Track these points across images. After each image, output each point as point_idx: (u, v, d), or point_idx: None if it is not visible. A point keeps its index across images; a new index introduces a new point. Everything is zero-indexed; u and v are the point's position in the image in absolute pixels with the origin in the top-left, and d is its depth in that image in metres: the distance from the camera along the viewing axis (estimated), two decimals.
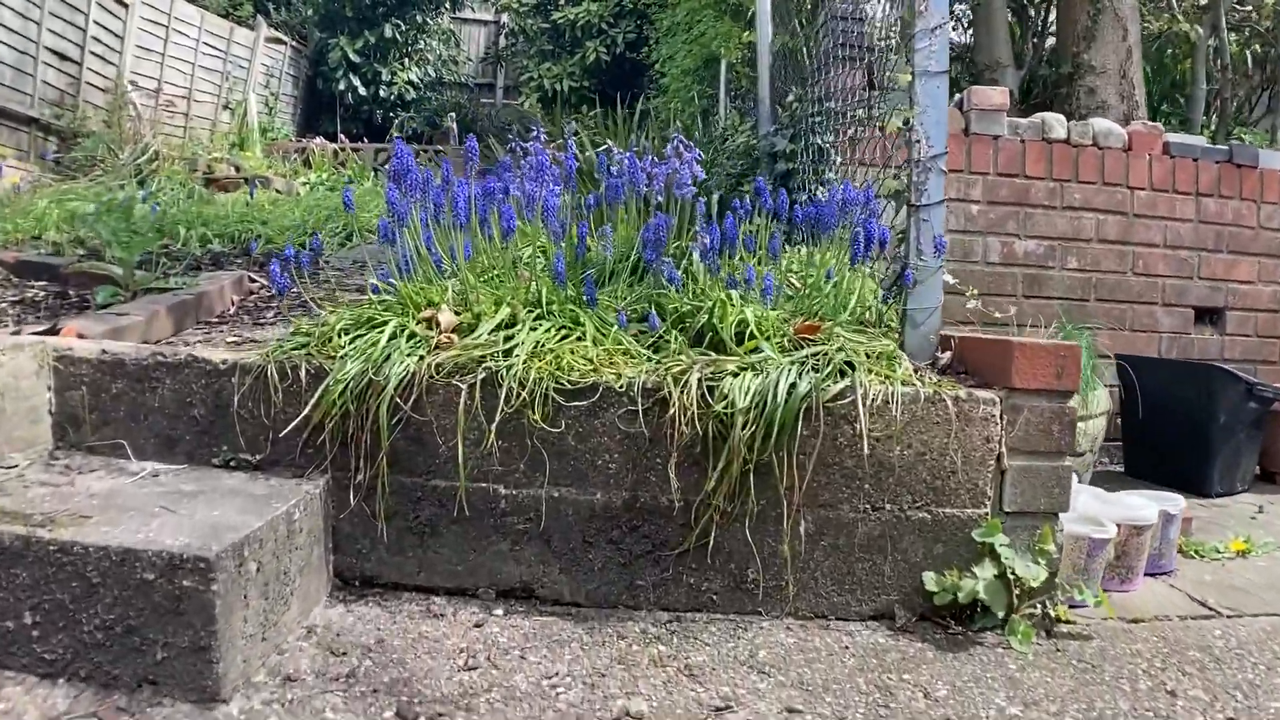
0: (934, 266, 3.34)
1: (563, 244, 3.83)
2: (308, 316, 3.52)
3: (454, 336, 3.15)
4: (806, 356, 3.01)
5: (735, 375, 2.92)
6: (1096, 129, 6.35)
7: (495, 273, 3.74)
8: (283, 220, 7.82)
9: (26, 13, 10.74)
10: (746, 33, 8.40)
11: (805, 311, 3.47)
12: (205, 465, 3.16)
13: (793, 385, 2.87)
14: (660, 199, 4.23)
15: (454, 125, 17.47)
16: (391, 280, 3.48)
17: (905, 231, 3.38)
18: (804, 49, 6.72)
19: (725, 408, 2.85)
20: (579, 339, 3.18)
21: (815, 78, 6.34)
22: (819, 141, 5.78)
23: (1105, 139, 6.33)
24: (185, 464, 3.16)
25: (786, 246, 4.47)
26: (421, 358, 3.02)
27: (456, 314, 3.31)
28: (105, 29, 12.37)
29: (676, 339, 3.23)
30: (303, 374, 3.03)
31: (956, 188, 5.70)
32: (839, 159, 5.90)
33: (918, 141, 3.31)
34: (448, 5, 19.64)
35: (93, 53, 12.10)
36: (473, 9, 21.00)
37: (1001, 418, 3.04)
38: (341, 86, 18.40)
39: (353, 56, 18.29)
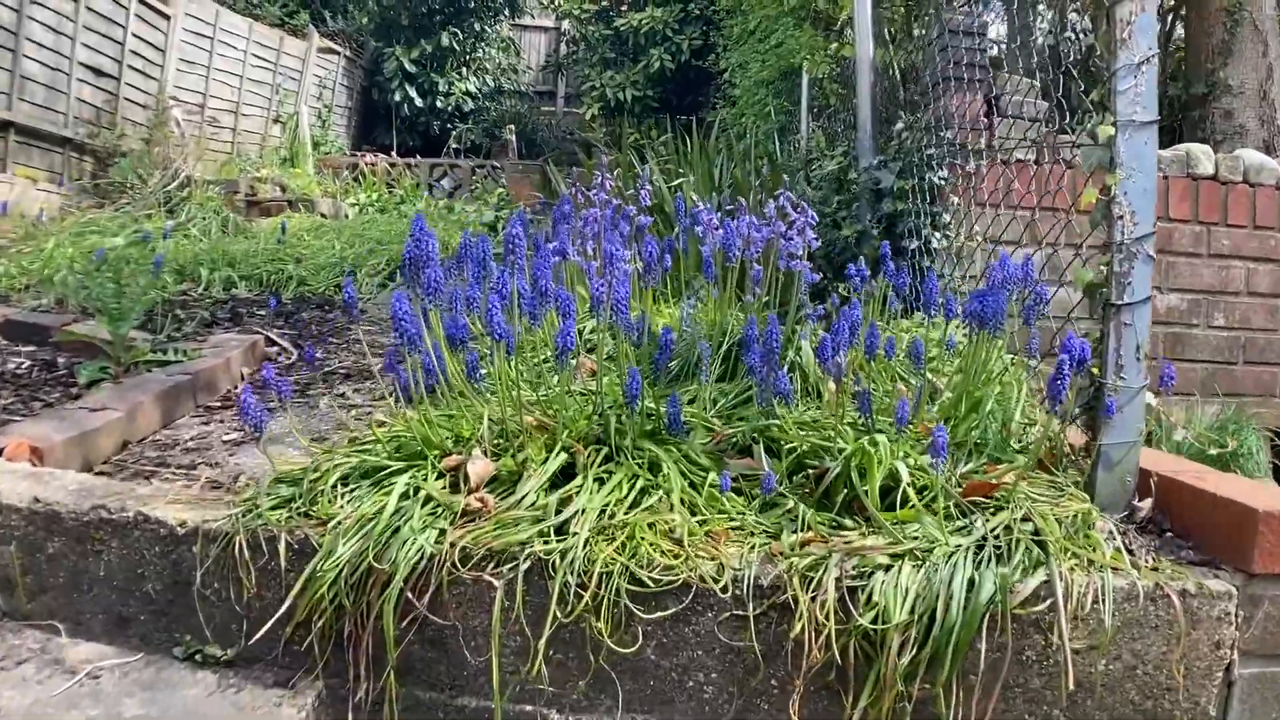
0: (1137, 386, 2.46)
1: (630, 339, 2.99)
2: (303, 447, 2.71)
3: (488, 499, 2.31)
4: (984, 535, 2.15)
5: (887, 569, 2.06)
6: (1248, 163, 5.43)
7: (544, 379, 2.93)
8: (320, 256, 7.07)
9: (59, 27, 10.10)
10: (836, 45, 7.55)
11: (963, 443, 2.59)
12: (165, 654, 2.39)
13: (971, 583, 2.01)
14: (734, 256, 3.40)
15: (513, 138, 16.73)
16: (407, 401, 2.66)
17: (1101, 337, 2.50)
18: (912, 68, 5.86)
19: (874, 620, 1.99)
20: (660, 498, 2.33)
21: (924, 101, 5.49)
22: (933, 178, 4.93)
23: (1257, 174, 5.41)
24: (140, 651, 2.39)
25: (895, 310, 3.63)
26: (442, 532, 2.19)
27: (493, 453, 2.48)
28: (145, 42, 11.73)
29: (793, 496, 2.37)
30: (282, 548, 2.24)
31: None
32: (955, 199, 5.06)
33: (1120, 218, 2.44)
34: (507, 13, 18.88)
35: (131, 67, 11.45)
36: (532, 16, 20.25)
37: (1236, 613, 2.16)
38: (397, 97, 17.72)
39: (409, 66, 17.60)
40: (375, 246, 7.86)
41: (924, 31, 5.39)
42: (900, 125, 5.18)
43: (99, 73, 10.87)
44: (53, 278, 5.90)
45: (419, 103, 17.89)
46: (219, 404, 4.09)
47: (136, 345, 4.31)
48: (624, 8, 18.66)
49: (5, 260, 6.45)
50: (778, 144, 9.35)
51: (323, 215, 10.28)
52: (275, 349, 4.89)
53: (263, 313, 5.76)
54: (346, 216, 10.99)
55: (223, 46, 13.51)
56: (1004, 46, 6.02)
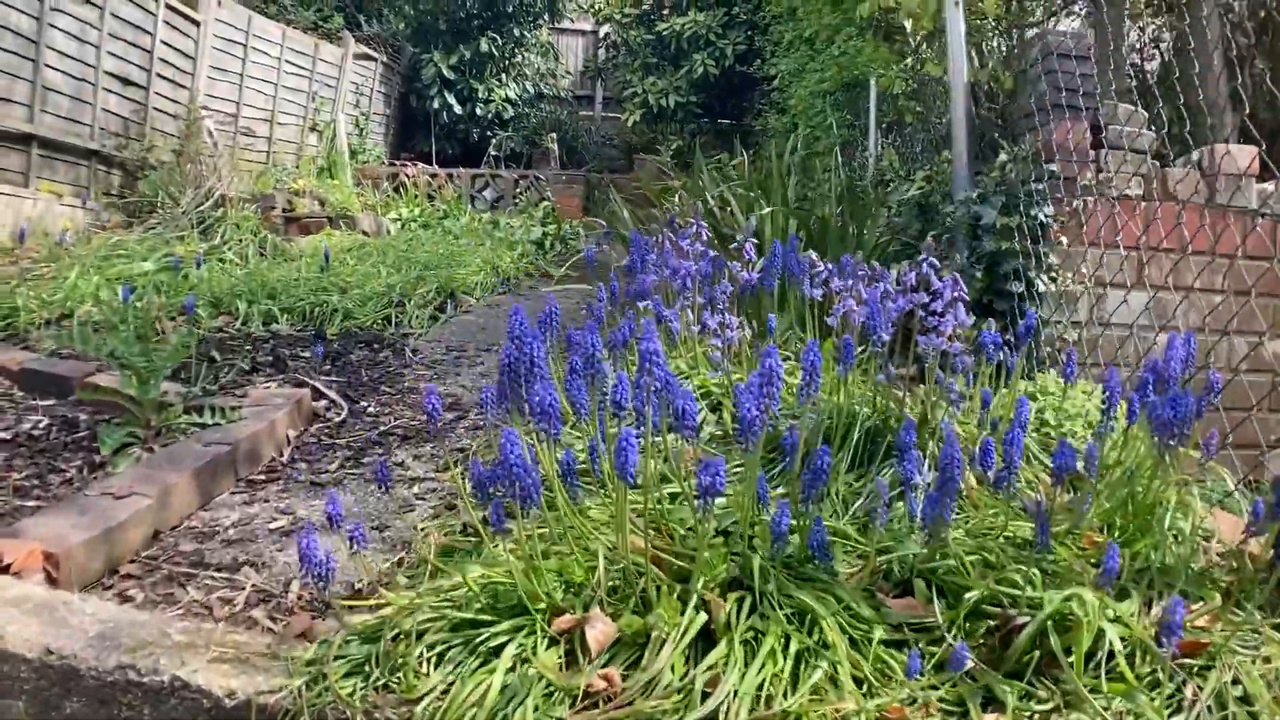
0: None
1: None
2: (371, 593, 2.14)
3: (614, 676, 1.74)
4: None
5: None
6: None
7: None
8: (366, 284, 6.51)
9: (83, 35, 9.58)
10: (913, 61, 6.94)
11: (1144, 570, 2.01)
12: None
13: None
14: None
15: (555, 147, 16.16)
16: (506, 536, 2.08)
17: None
18: (1007, 91, 5.23)
19: None
20: (824, 669, 1.76)
21: (1024, 129, 4.88)
22: (1038, 215, 4.34)
23: None
24: None
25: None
26: None
27: (610, 600, 1.90)
28: (175, 49, 11.21)
29: (972, 652, 1.82)
30: None
31: (1205, 276, 4.13)
32: (1063, 239, 4.48)
33: None
34: (546, 18, 18.31)
35: (161, 75, 10.93)
36: (571, 19, 19.65)
37: None
38: (436, 105, 17.18)
39: (447, 73, 17.06)
40: (423, 271, 7.31)
41: (1017, 49, 4.78)
42: (1004, 157, 4.57)
43: (126, 82, 10.36)
44: (87, 300, 5.39)
45: (458, 110, 17.35)
46: (263, 476, 3.53)
47: (168, 403, 3.75)
48: (665, 11, 18.09)
49: (26, 289, 5.90)
50: (840, 159, 8.75)
51: (364, 233, 9.73)
52: (323, 402, 4.32)
53: (307, 354, 5.20)
54: (388, 232, 10.44)
55: (256, 54, 12.99)
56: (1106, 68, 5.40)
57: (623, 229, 7.13)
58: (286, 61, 13.72)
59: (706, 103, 18.36)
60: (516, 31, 17.82)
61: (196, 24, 11.62)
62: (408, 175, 13.92)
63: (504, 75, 18.07)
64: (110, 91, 10.10)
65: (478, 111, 17.54)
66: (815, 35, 10.64)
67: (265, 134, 13.51)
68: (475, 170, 14.58)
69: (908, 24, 5.74)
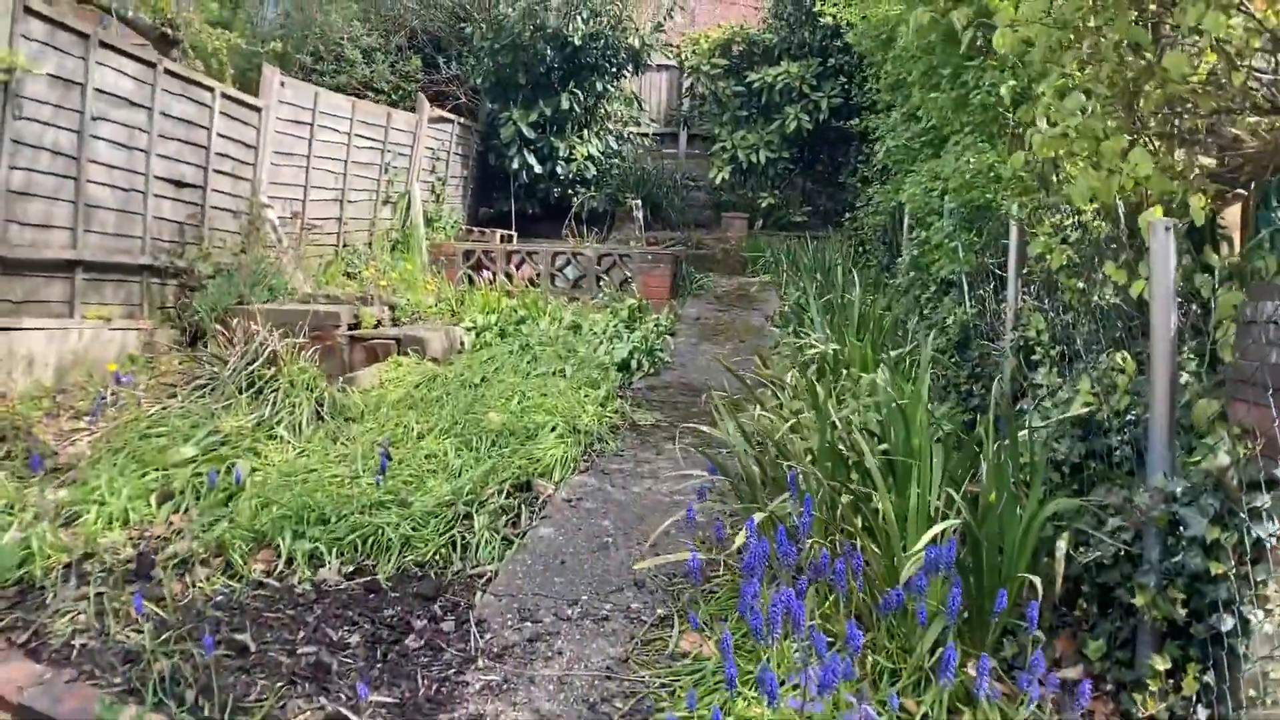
0: None
1: None
2: None
3: None
4: None
5: None
6: None
7: None
8: (427, 483, 5.64)
9: (131, 141, 8.84)
10: (1110, 269, 5.86)
11: None
12: None
13: None
14: None
15: (639, 211, 15.20)
16: None
17: None
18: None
19: None
20: None
21: (1247, 396, 3.80)
22: (1260, 534, 3.32)
23: None
24: None
25: None
26: None
27: None
28: (233, 140, 10.44)
29: None
30: None
31: None
32: None
33: None
34: (630, 69, 17.37)
35: (218, 171, 10.17)
36: (649, 58, 18.51)
37: None
38: (515, 165, 16.33)
39: (527, 131, 16.20)
40: (497, 442, 6.42)
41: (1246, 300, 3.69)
42: (1225, 459, 3.51)
43: (180, 184, 9.60)
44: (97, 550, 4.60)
45: (538, 169, 16.49)
46: None
47: None
48: (756, 60, 17.10)
49: (45, 509, 5.10)
50: (964, 295, 7.73)
51: (434, 360, 8.85)
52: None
53: (354, 639, 4.28)
54: (461, 346, 9.56)
55: (324, 131, 12.21)
56: None
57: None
58: (357, 136, 12.93)
59: (800, 157, 17.34)
60: (599, 85, 16.91)
61: (257, 110, 10.85)
62: (486, 258, 13.04)
63: (585, 131, 17.17)
64: (163, 197, 9.35)
65: (558, 170, 16.66)
66: (929, 126, 9.56)
67: (335, 214, 12.73)
68: (556, 247, 13.64)
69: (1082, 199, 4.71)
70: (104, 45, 8.44)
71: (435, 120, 15.23)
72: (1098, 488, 4.10)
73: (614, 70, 17.15)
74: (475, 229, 15.74)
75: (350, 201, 13.05)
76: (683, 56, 18.23)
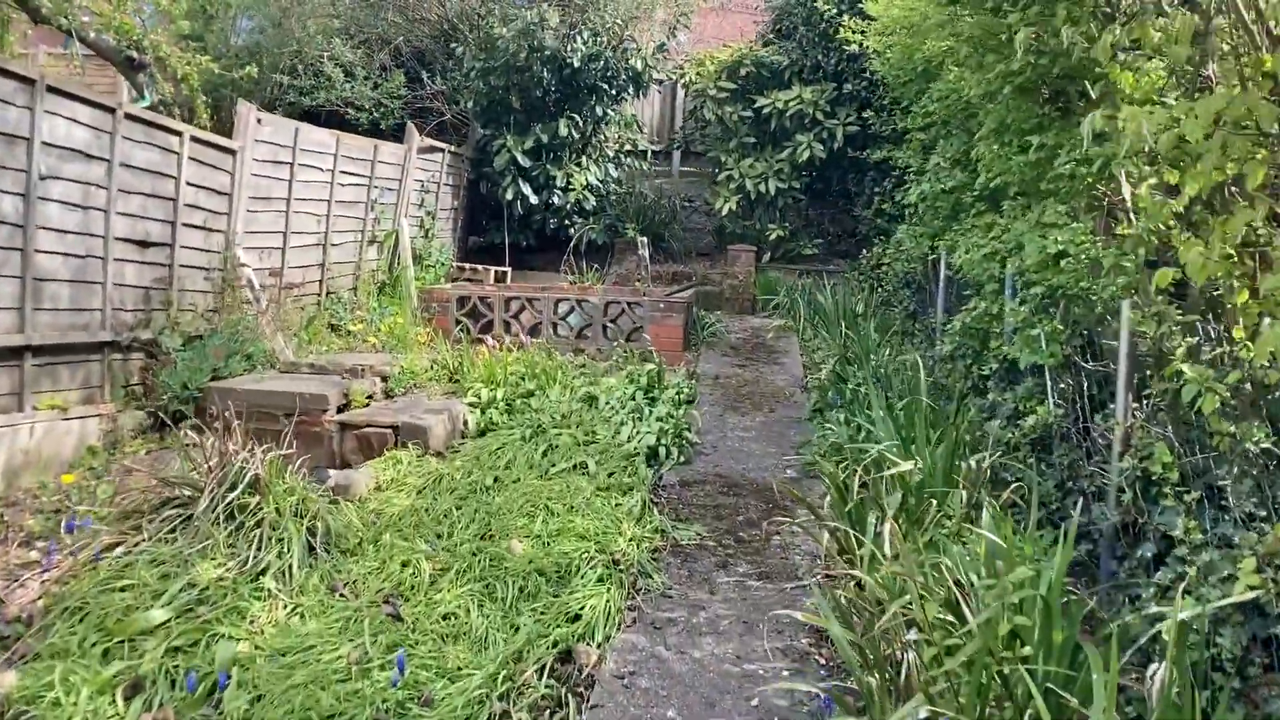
0: None
1: None
2: None
3: None
4: None
5: None
6: None
7: None
8: (456, 678, 4.60)
9: (87, 200, 7.76)
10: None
11: None
12: None
13: None
14: None
15: (645, 251, 14.12)
16: None
17: None
18: None
19: None
20: None
21: None
22: None
23: None
24: None
25: None
26: None
27: None
28: (205, 189, 9.36)
29: None
30: None
31: None
32: None
33: None
34: (631, 91, 16.28)
35: (188, 225, 9.08)
36: (650, 79, 17.31)
37: None
38: (509, 195, 15.23)
39: (521, 159, 15.11)
40: (525, 586, 5.38)
41: None
42: None
43: (144, 244, 8.51)
44: None
45: (533, 199, 15.39)
46: None
47: None
48: (765, 81, 16.03)
49: None
50: (1052, 400, 6.72)
51: (437, 455, 7.76)
52: None
53: None
54: (465, 427, 8.48)
55: (305, 171, 11.09)
56: None
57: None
58: (341, 173, 11.82)
59: (809, 186, 16.29)
60: (599, 109, 15.82)
61: (232, 153, 9.73)
62: (482, 305, 11.94)
63: (584, 158, 16.07)
64: (125, 261, 8.26)
65: (555, 200, 15.56)
66: (993, 177, 8.54)
67: (317, 260, 11.61)
68: (558, 292, 12.51)
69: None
70: (54, 91, 7.33)
71: (424, 150, 14.12)
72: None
73: (614, 94, 16.06)
74: (466, 266, 14.63)
75: (334, 245, 11.94)
76: (687, 77, 17.12)
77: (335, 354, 10.41)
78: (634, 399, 9.29)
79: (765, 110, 15.54)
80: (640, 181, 18.19)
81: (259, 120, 10.18)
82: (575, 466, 7.53)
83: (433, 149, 14.40)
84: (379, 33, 16.56)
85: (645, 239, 14.27)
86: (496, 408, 8.81)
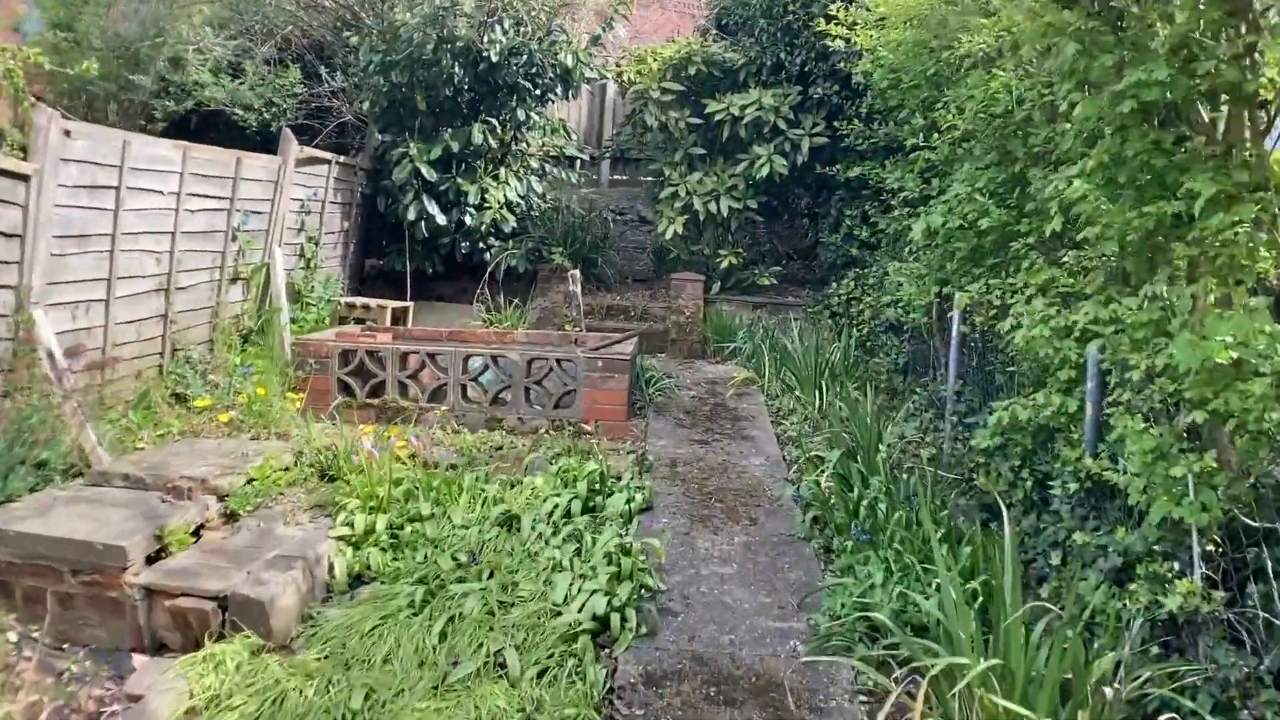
0: None
1: None
2: None
3: None
4: None
5: None
6: None
7: None
8: None
9: None
10: None
11: None
12: None
13: None
14: None
15: (575, 286, 11.68)
16: None
17: None
18: None
19: None
20: None
21: None
22: None
23: None
24: None
25: None
26: None
27: None
28: None
29: None
30: None
31: None
32: None
33: None
34: (559, 92, 13.79)
35: None
36: (583, 78, 14.72)
37: None
38: (411, 214, 12.69)
39: (426, 172, 12.57)
40: None
41: None
42: None
43: None
44: None
45: (441, 220, 12.86)
46: None
47: None
48: (717, 83, 13.66)
49: None
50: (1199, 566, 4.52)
51: (281, 650, 5.26)
52: None
53: None
54: (331, 576, 6.01)
55: (139, 195, 8.52)
56: None
57: None
58: (192, 195, 9.23)
59: (767, 205, 13.94)
60: (522, 112, 13.30)
61: (25, 180, 7.13)
62: (370, 360, 9.43)
63: (503, 170, 13.56)
64: None
65: (467, 221, 13.04)
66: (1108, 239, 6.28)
67: (157, 310, 9.03)
68: (470, 344, 10.02)
69: None
70: None
71: (305, 162, 11.54)
72: None
73: (539, 94, 13.56)
74: (358, 302, 12.05)
75: (181, 289, 9.34)
76: (625, 76, 14.66)
77: (169, 448, 7.84)
78: (570, 514, 6.89)
79: (717, 117, 13.14)
80: (568, 195, 15.75)
81: (67, 133, 7.57)
82: (488, 664, 5.09)
83: (315, 160, 11.81)
84: (261, 22, 13.91)
85: (576, 272, 11.79)
86: (378, 543, 6.34)
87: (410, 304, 12.53)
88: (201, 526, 6.45)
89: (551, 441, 8.70)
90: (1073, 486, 5.77)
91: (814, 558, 6.65)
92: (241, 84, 13.11)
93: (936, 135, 8.54)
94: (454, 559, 6.12)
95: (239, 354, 9.95)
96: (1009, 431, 6.56)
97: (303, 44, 14.26)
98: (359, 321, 11.77)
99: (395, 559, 6.26)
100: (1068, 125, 6.22)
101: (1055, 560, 5.82)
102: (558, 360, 9.45)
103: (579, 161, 16.62)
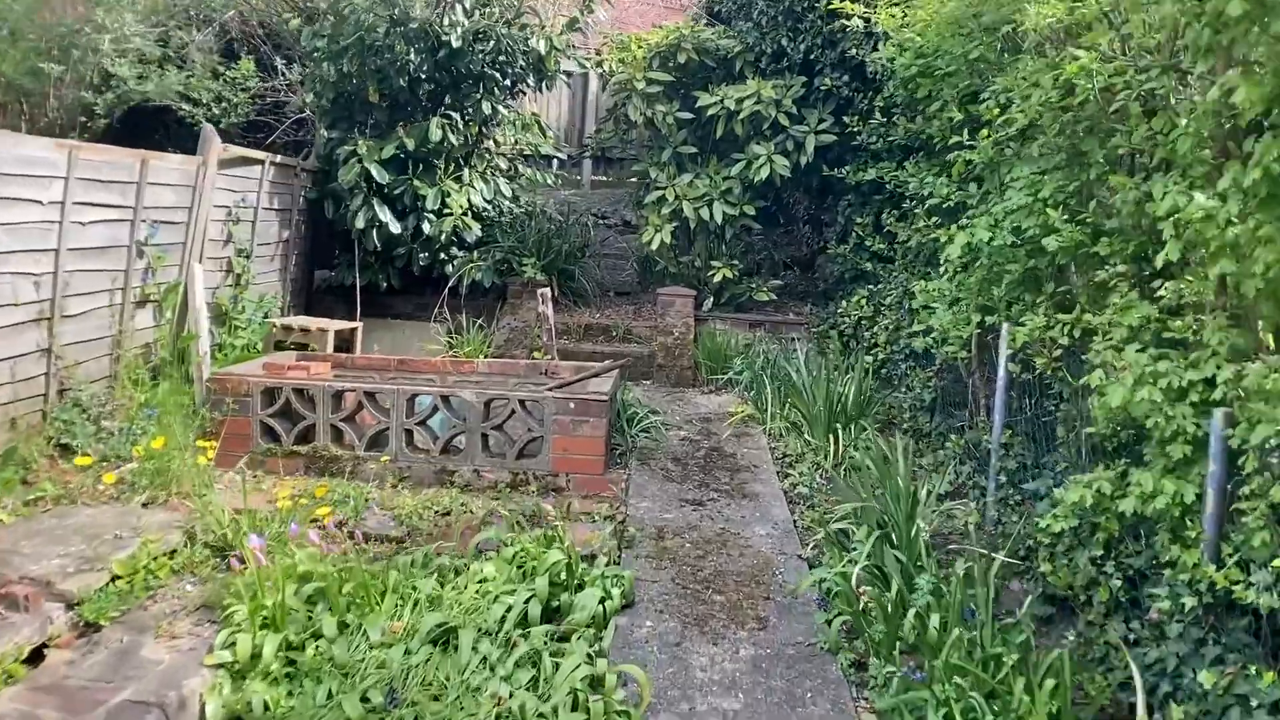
0: None
1: None
2: None
3: None
4: None
5: None
6: None
7: None
8: None
9: None
10: None
11: None
12: None
13: None
14: None
15: (546, 306, 10.13)
16: None
17: None
18: None
19: None
20: None
21: None
22: None
23: None
24: None
25: None
26: None
27: None
28: None
29: None
30: None
31: None
32: None
33: None
34: (531, 82, 12.23)
35: None
36: (558, 66, 13.10)
37: None
38: (360, 222, 11.12)
39: (377, 174, 10.99)
40: None
41: None
42: None
43: None
44: None
45: (395, 228, 11.30)
46: None
47: None
48: (710, 73, 12.12)
49: None
50: None
51: None
52: None
53: None
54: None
55: (7, 207, 6.93)
56: None
57: None
58: (81, 204, 7.67)
59: (767, 211, 12.40)
60: (487, 107, 11.72)
61: None
62: (299, 400, 7.88)
63: (467, 171, 11.99)
64: None
65: (425, 229, 11.47)
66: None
67: (36, 344, 7.44)
68: (417, 380, 8.54)
69: None
70: None
71: (232, 162, 9.95)
72: None
73: (509, 84, 11.99)
74: (295, 324, 10.43)
75: (70, 316, 7.76)
76: (606, 66, 13.09)
77: (31, 523, 6.26)
78: (526, 623, 5.34)
79: (710, 111, 11.58)
80: (545, 199, 14.19)
81: None
82: None
83: (244, 160, 10.22)
84: (195, 5, 12.38)
85: (548, 290, 10.19)
86: (267, 673, 4.77)
87: (358, 325, 10.95)
88: (40, 651, 4.87)
89: (513, 501, 7.17)
90: (1188, 602, 4.29)
91: (843, 681, 5.11)
92: (190, 76, 11.69)
93: (985, 131, 6.98)
94: (364, 700, 4.56)
95: (147, 392, 8.36)
96: (1090, 515, 5.08)
97: (259, 33, 12.74)
98: (299, 346, 10.20)
99: (291, 695, 4.70)
100: (1181, 121, 4.71)
101: (1166, 688, 4.36)
102: (521, 402, 7.89)
103: (556, 161, 15.15)
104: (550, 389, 8.08)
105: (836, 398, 9.00)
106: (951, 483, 7.64)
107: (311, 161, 11.88)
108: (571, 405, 7.80)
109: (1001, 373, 6.95)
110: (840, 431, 8.54)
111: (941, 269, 7.57)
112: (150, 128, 12.10)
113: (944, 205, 8.13)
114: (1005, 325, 6.86)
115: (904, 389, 9.25)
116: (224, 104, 12.02)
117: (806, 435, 8.86)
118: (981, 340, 7.54)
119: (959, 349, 7.51)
